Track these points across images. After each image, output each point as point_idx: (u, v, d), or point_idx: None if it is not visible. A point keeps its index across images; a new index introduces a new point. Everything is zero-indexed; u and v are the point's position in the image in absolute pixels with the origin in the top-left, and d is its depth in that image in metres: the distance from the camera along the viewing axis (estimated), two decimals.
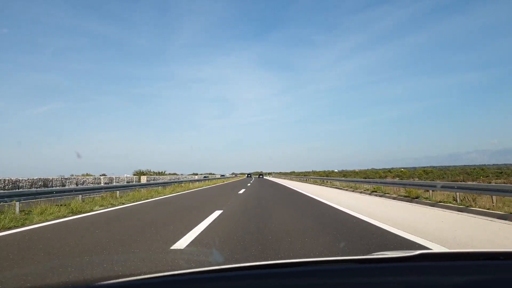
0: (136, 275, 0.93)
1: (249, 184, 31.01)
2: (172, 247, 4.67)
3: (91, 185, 17.23)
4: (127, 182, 22.01)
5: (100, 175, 23.52)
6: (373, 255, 1.15)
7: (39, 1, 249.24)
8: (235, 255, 4.21)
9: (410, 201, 11.68)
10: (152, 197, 14.49)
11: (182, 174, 49.78)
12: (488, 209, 8.31)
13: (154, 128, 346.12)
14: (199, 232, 5.81)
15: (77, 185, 16.99)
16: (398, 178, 46.72)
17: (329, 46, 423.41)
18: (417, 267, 1.01)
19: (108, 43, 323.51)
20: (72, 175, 21.73)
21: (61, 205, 9.38)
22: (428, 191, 11.87)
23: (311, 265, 1.05)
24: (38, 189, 12.68)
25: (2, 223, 6.65)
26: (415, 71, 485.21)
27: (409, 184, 13.54)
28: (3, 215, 7.20)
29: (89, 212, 9.14)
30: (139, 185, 18.14)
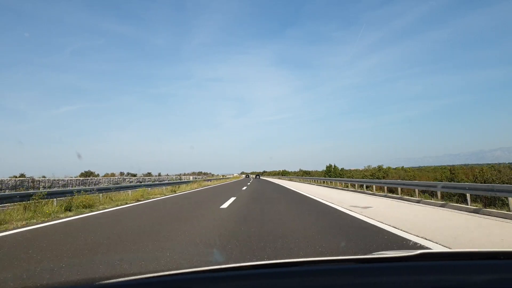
0: (136, 275, 0.93)
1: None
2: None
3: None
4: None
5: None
6: (373, 254, 1.15)
7: (57, 2, 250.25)
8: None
9: None
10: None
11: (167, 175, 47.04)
12: None
13: (170, 127, 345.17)
14: None
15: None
16: None
17: (348, 43, 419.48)
18: (417, 266, 1.01)
19: (125, 43, 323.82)
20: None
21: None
22: None
23: (311, 264, 1.05)
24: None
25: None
26: (436, 68, 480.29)
27: None
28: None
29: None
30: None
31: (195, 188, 25.69)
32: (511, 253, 1.07)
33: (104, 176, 38.25)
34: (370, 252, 2.02)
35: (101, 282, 0.90)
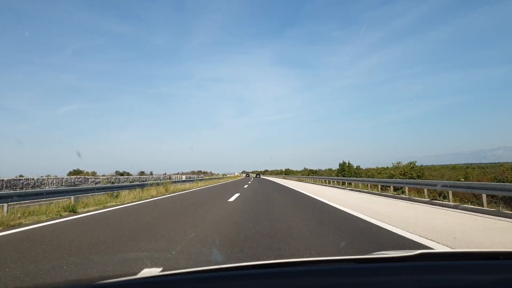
0: (136, 275, 0.95)
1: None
2: None
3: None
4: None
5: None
6: (373, 254, 1.15)
7: (57, 2, 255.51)
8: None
9: None
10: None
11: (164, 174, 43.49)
12: None
13: (170, 127, 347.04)
14: None
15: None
16: None
17: (348, 43, 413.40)
18: (417, 266, 1.01)
19: (126, 43, 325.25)
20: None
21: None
22: None
23: (311, 264, 1.05)
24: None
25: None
26: (436, 68, 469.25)
27: None
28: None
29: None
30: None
31: (141, 199, 13.44)
32: (511, 253, 1.06)
33: (84, 174, 32.83)
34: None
35: (100, 282, 0.90)
